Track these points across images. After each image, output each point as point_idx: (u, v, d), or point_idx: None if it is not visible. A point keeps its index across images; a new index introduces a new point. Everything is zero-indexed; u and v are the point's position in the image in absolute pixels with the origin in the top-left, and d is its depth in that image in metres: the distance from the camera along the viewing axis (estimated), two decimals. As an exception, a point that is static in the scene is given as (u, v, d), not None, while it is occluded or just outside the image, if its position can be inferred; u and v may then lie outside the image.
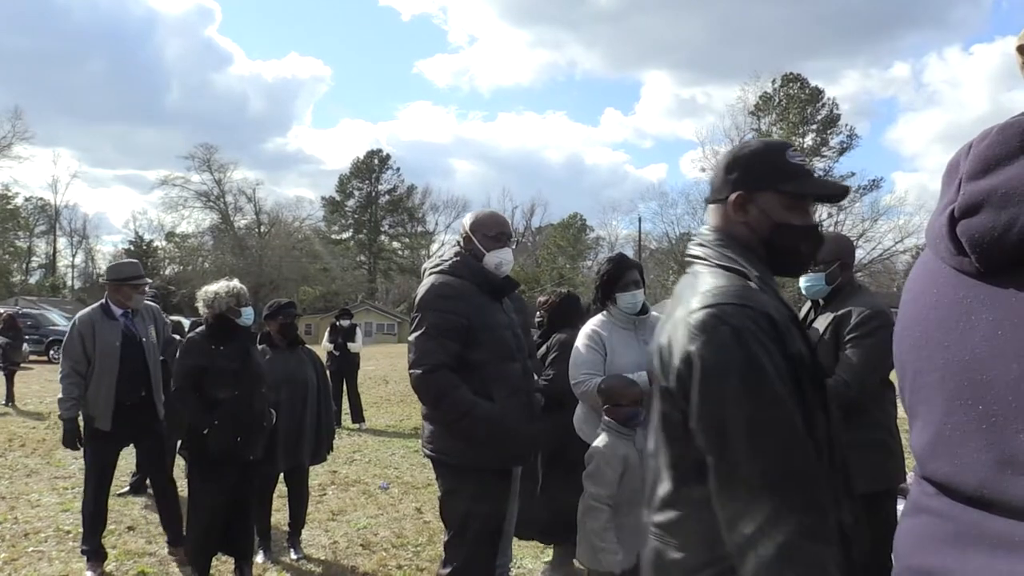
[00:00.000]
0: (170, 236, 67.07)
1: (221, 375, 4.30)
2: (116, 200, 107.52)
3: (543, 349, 4.71)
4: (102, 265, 71.03)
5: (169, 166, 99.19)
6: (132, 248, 67.53)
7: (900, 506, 5.44)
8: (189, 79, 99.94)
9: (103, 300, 5.08)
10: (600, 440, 3.53)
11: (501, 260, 3.48)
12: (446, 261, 3.43)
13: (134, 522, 5.86)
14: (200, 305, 4.51)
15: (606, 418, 3.51)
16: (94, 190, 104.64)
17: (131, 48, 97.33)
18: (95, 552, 4.85)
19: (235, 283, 4.57)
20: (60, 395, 4.91)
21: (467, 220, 3.59)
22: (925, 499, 0.94)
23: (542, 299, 5.02)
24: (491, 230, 3.50)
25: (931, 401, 0.91)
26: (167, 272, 64.01)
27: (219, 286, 4.50)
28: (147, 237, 68.62)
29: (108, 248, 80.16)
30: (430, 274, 3.44)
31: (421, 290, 3.39)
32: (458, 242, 3.56)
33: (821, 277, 3.47)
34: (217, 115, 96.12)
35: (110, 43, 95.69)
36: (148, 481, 6.72)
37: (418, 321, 3.31)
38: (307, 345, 5.50)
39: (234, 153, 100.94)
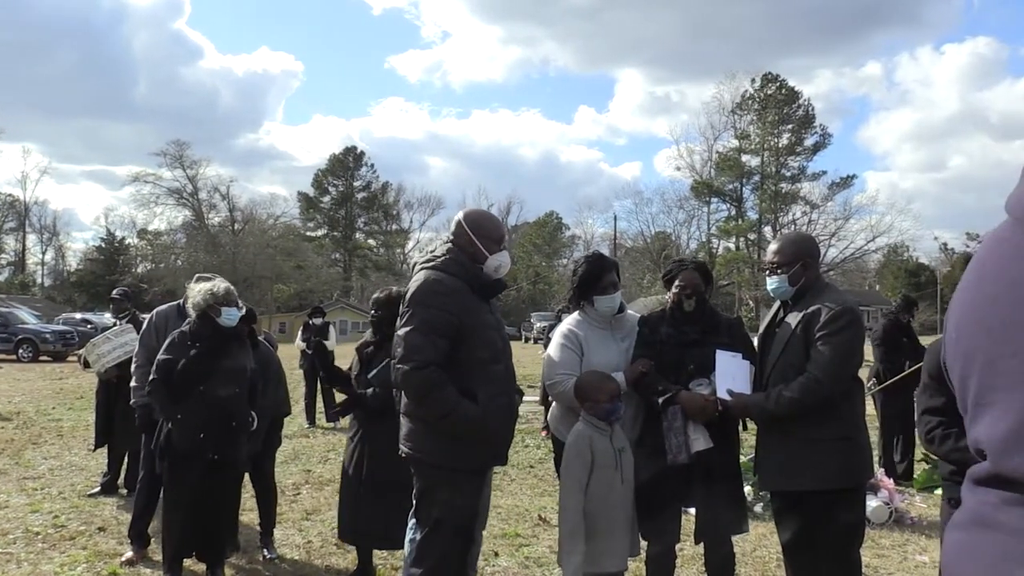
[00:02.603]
0: (142, 233, 66.24)
1: (189, 372, 4.32)
2: (85, 196, 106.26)
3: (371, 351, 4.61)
4: (72, 262, 70.30)
5: (138, 162, 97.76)
6: (104, 245, 66.72)
7: (872, 503, 5.52)
8: (158, 73, 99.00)
9: (180, 301, 5.32)
10: (574, 430, 3.50)
11: (501, 263, 3.51)
12: (438, 258, 3.41)
13: (105, 523, 5.78)
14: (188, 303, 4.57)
15: (584, 414, 3.48)
16: (61, 186, 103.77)
17: (99, 41, 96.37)
18: (139, 536, 5.06)
19: (217, 282, 4.58)
20: (133, 383, 5.10)
21: (465, 219, 3.54)
22: (991, 511, 0.79)
23: (377, 295, 4.76)
24: (493, 233, 3.53)
25: (1014, 388, 0.79)
26: (139, 270, 63.26)
27: (201, 285, 4.53)
28: (119, 234, 67.83)
29: (79, 245, 79.28)
30: (421, 269, 3.43)
31: (413, 285, 3.37)
32: (450, 239, 3.53)
33: (784, 280, 3.50)
34: (187, 110, 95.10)
35: (77, 36, 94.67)
36: (119, 481, 6.70)
37: (409, 316, 3.29)
38: (269, 342, 5.51)
39: (204, 148, 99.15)
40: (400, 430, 3.48)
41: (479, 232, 3.48)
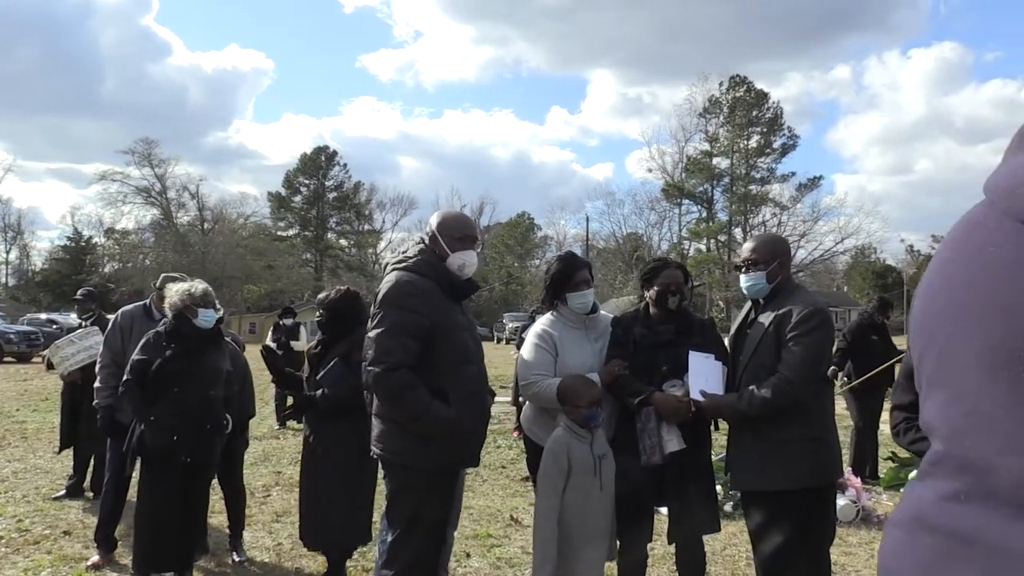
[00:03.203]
0: (109, 232, 65.27)
1: (161, 373, 4.28)
2: (50, 194, 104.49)
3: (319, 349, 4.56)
4: (37, 262, 69.16)
5: (105, 160, 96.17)
6: (70, 244, 65.73)
7: (840, 501, 5.58)
8: (125, 70, 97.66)
9: (147, 301, 5.33)
10: (553, 436, 3.47)
11: (464, 262, 3.50)
12: (410, 258, 3.42)
13: (70, 527, 5.69)
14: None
15: (565, 419, 3.45)
16: (26, 184, 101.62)
17: (64, 37, 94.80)
18: (105, 540, 4.99)
19: (195, 283, 4.55)
20: (97, 384, 5.06)
21: (434, 219, 3.59)
22: (929, 508, 0.76)
23: (322, 296, 4.73)
24: (456, 231, 3.52)
25: (970, 372, 0.77)
26: (106, 269, 62.34)
27: (180, 286, 4.50)
28: (85, 233, 66.81)
29: (44, 244, 78.05)
30: (393, 270, 3.42)
31: (384, 286, 3.36)
32: (422, 239, 3.55)
33: (762, 276, 3.52)
34: (155, 107, 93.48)
35: (42, 31, 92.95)
36: (85, 484, 6.60)
37: (380, 318, 3.28)
38: (236, 343, 5.48)
39: (173, 147, 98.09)
40: (372, 431, 3.47)
41: (442, 229, 3.50)
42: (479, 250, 3.61)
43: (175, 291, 4.45)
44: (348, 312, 4.46)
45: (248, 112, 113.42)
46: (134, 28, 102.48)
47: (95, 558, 4.90)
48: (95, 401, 5.07)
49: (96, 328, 6.45)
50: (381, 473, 3.61)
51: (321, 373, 4.37)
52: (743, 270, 3.59)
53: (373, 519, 4.44)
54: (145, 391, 4.30)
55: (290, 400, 5.17)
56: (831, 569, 3.61)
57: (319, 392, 4.33)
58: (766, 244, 3.65)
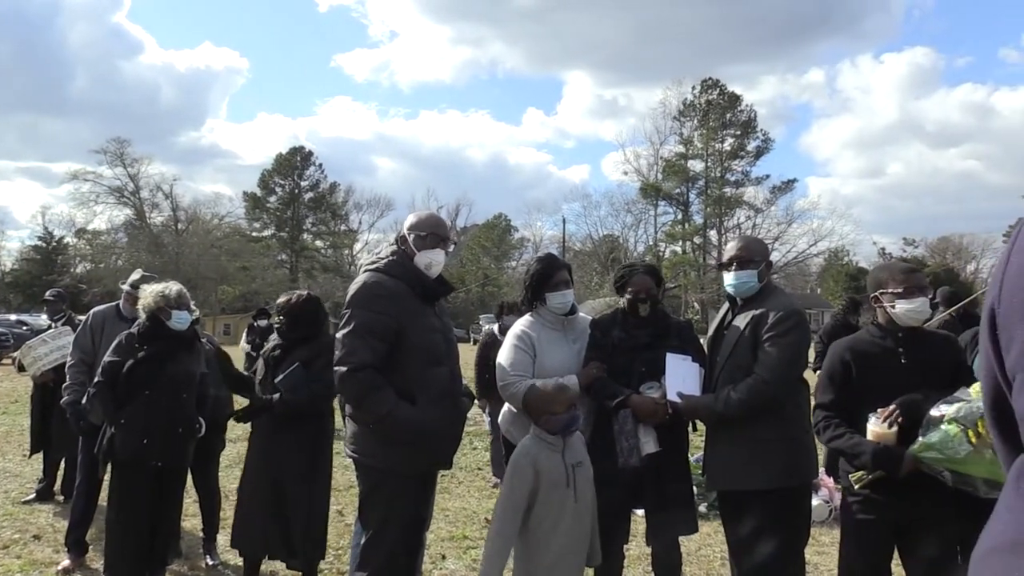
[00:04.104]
0: (81, 233, 64.39)
1: (132, 375, 4.23)
2: (20, 193, 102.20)
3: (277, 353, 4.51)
4: (7, 262, 68.09)
5: (77, 159, 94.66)
6: (41, 244, 64.81)
7: (813, 501, 5.64)
8: (97, 67, 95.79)
9: (118, 302, 5.34)
10: (520, 445, 3.35)
11: (431, 261, 3.50)
12: (382, 260, 3.44)
13: (40, 531, 5.62)
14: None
15: (535, 428, 3.33)
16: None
17: (33, 33, 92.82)
18: (76, 544, 4.94)
19: (170, 285, 4.50)
20: (67, 381, 5.08)
21: (406, 220, 3.62)
22: None
23: (282, 300, 4.66)
24: (423, 230, 3.52)
25: None
26: (78, 270, 61.54)
27: (154, 287, 4.46)
28: (57, 233, 65.82)
29: (14, 244, 76.76)
30: (365, 271, 3.44)
31: (354, 287, 3.38)
32: (395, 241, 3.57)
33: (754, 275, 3.55)
34: (126, 106, 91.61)
35: (9, 27, 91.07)
36: (55, 488, 6.51)
37: (347, 318, 3.30)
38: (220, 346, 5.40)
39: (145, 146, 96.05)
40: (346, 432, 3.47)
41: (411, 230, 3.53)
42: (449, 250, 3.59)
43: (149, 292, 4.41)
44: (309, 318, 4.47)
45: (222, 111, 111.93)
46: (105, 25, 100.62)
47: (66, 563, 4.83)
48: (62, 399, 5.04)
49: (68, 328, 6.39)
50: (354, 476, 3.60)
51: (280, 377, 4.34)
52: (732, 267, 3.57)
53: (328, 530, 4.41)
54: (116, 393, 4.25)
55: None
56: (805, 568, 3.64)
57: (276, 396, 4.31)
58: (754, 244, 3.72)
